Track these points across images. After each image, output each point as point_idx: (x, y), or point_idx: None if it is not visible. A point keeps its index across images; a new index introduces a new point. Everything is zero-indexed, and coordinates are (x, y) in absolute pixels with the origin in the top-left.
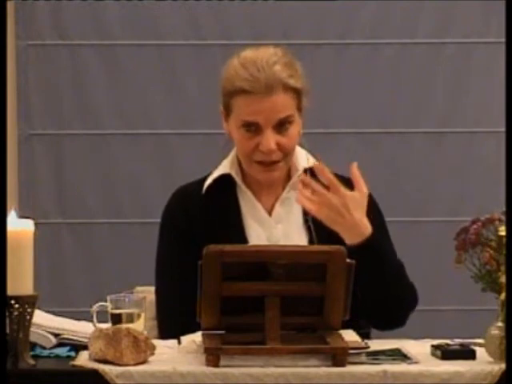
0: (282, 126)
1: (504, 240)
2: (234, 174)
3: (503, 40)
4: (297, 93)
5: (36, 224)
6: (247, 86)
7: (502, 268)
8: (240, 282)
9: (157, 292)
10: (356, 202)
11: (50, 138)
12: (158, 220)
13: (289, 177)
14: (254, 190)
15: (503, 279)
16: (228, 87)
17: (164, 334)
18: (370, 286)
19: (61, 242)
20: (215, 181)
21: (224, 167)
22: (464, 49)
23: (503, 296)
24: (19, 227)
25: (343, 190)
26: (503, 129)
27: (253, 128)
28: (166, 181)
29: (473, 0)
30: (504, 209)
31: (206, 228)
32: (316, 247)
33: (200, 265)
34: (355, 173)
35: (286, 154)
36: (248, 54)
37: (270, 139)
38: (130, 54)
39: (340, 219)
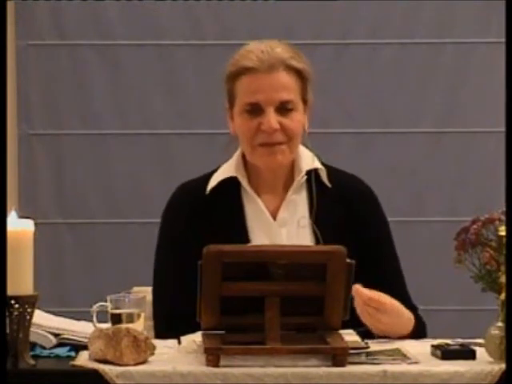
0: (284, 109)
1: (504, 240)
2: (240, 177)
3: (503, 40)
4: (299, 75)
5: (36, 224)
6: (251, 64)
7: (502, 268)
8: (240, 282)
9: (153, 293)
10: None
11: (50, 138)
12: (158, 220)
13: (292, 177)
14: (258, 192)
15: (503, 279)
16: (232, 70)
17: (157, 335)
18: None
19: (61, 241)
20: (219, 182)
21: (229, 169)
22: (464, 49)
23: (503, 296)
24: (19, 227)
25: (384, 302)
26: (503, 129)
27: (255, 111)
28: (165, 181)
29: (473, 0)
30: (504, 209)
31: (208, 230)
32: (316, 247)
33: (200, 265)
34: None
35: (290, 137)
36: (253, 43)
37: (272, 118)
38: (130, 54)
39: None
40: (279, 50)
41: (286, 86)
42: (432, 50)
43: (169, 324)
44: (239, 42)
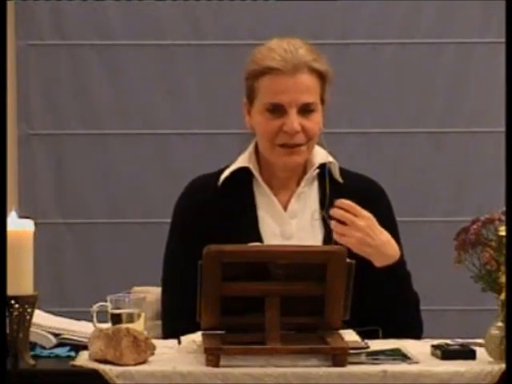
0: (306, 110)
1: (504, 240)
2: (252, 167)
3: (503, 40)
4: (321, 77)
5: (36, 224)
6: (275, 64)
7: (502, 268)
8: (240, 282)
9: (163, 289)
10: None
11: (50, 138)
12: (158, 220)
13: (304, 172)
14: (270, 185)
15: (503, 279)
16: (254, 68)
17: (167, 334)
18: (387, 307)
19: (61, 242)
20: (232, 174)
21: (242, 161)
22: (464, 49)
23: (503, 296)
24: (19, 227)
25: (365, 212)
26: (503, 129)
27: (277, 111)
28: (166, 181)
29: (473, 0)
30: (504, 209)
31: (220, 221)
32: (316, 247)
33: (200, 265)
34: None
35: (310, 138)
36: (274, 40)
37: (295, 120)
38: (130, 53)
39: (369, 240)
40: (302, 51)
41: (308, 88)
42: (432, 49)
43: (179, 314)
44: (239, 42)
